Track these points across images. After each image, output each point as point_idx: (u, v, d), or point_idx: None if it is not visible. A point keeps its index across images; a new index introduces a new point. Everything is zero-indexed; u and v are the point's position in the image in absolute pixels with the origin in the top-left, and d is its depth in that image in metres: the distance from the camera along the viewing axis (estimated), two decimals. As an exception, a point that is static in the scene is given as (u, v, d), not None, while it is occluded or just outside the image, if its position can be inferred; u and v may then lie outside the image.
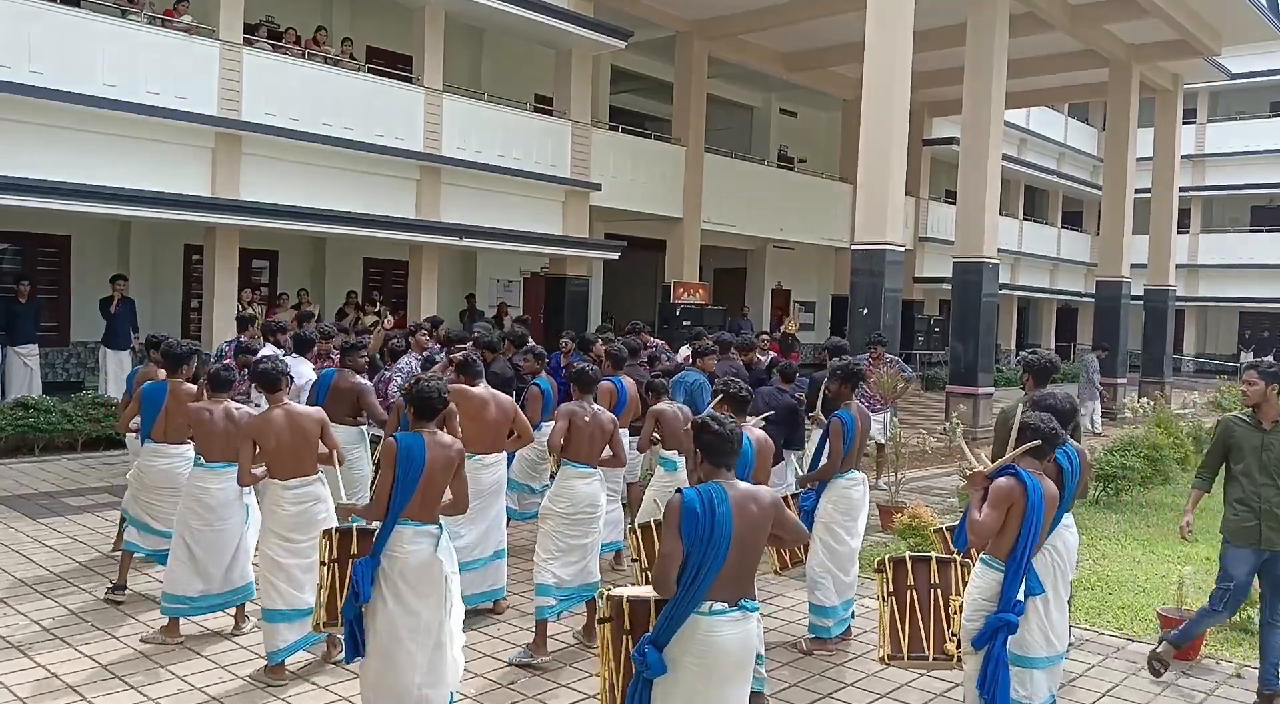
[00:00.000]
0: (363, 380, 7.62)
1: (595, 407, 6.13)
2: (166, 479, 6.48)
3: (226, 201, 13.10)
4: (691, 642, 3.46)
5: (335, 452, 5.53)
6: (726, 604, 3.47)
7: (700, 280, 20.93)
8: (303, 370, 8.62)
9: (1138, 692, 5.76)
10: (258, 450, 5.42)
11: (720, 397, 5.54)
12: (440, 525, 4.48)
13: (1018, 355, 31.04)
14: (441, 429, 4.70)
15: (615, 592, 3.77)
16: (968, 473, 4.33)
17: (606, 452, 6.12)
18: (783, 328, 16.79)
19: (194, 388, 6.54)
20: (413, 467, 4.38)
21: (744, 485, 3.58)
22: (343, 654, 5.01)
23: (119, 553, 7.27)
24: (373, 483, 4.89)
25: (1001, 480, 4.25)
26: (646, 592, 3.71)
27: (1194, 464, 12.94)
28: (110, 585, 6.66)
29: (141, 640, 5.85)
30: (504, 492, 6.47)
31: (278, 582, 5.38)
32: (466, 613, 6.04)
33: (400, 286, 17.88)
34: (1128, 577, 8.03)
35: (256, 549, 5.78)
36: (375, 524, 4.59)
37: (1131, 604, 7.31)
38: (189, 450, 6.33)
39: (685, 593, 3.41)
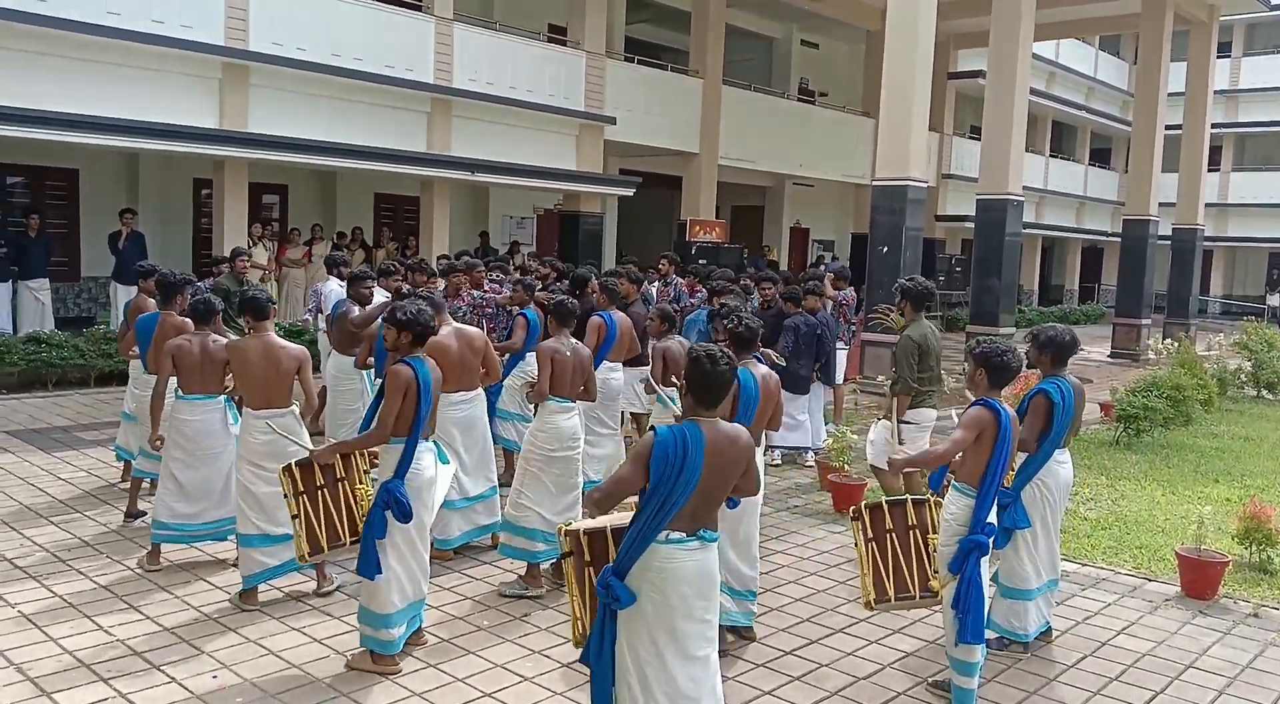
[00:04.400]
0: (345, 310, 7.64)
1: (573, 342, 6.13)
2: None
3: (235, 134, 13.07)
4: (648, 570, 3.53)
5: (305, 399, 5.58)
6: (684, 533, 3.54)
7: (717, 218, 20.83)
8: (332, 287, 9.24)
9: (1154, 630, 5.80)
10: (229, 376, 5.66)
11: (723, 331, 5.47)
12: (435, 443, 4.87)
13: (1044, 298, 30.35)
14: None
15: (571, 526, 3.82)
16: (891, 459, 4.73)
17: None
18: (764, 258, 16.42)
19: (183, 321, 6.56)
20: (427, 388, 4.68)
21: (724, 426, 3.61)
22: (333, 584, 5.62)
23: (128, 484, 7.38)
24: (370, 415, 4.97)
25: (974, 409, 4.53)
26: (602, 521, 3.78)
27: (1218, 406, 12.93)
28: (125, 514, 6.80)
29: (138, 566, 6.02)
30: (485, 427, 6.43)
31: (249, 508, 5.50)
32: (462, 548, 6.40)
33: (412, 223, 17.90)
34: (1146, 517, 8.04)
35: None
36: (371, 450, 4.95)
37: (1149, 544, 7.33)
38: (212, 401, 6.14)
39: (647, 523, 3.50)
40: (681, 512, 3.50)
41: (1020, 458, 5.29)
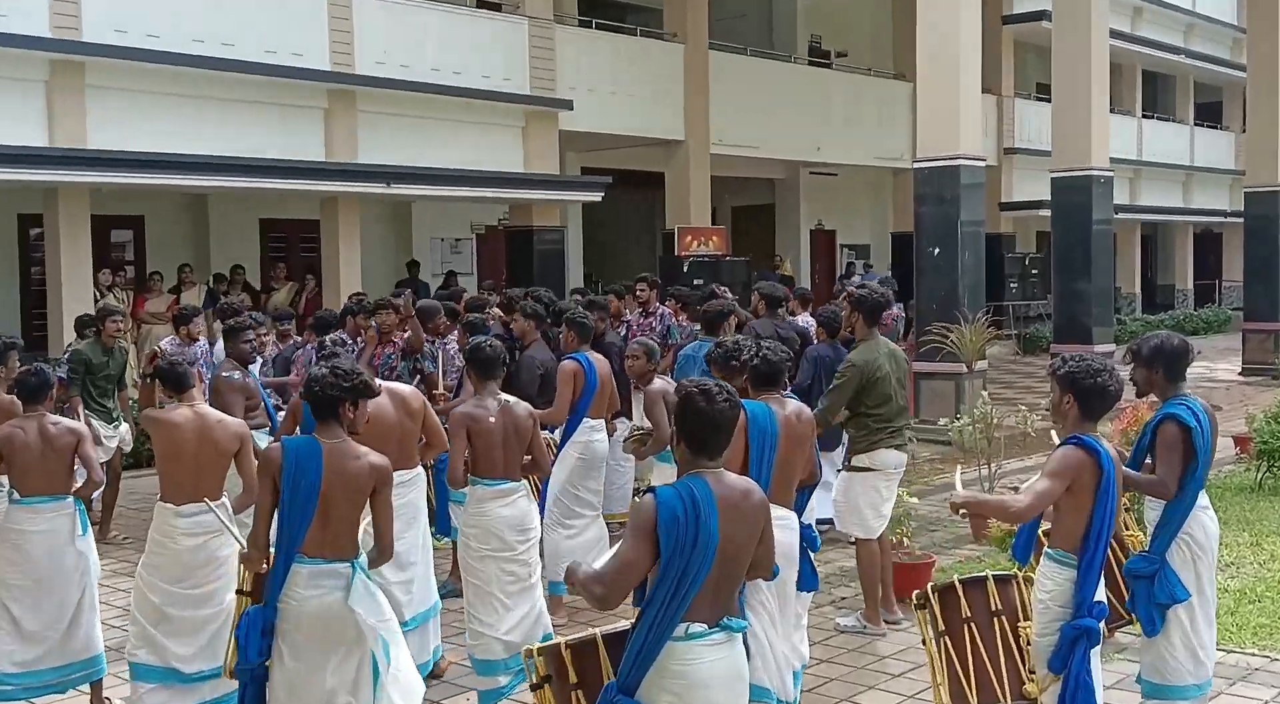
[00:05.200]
0: (237, 378, 7.78)
1: (503, 398, 6.11)
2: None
3: (70, 152, 13.02)
4: (665, 677, 3.59)
5: (245, 487, 5.60)
6: (706, 625, 3.63)
7: (714, 224, 21.01)
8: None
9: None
10: (79, 467, 5.71)
11: (726, 362, 5.63)
12: (353, 562, 4.63)
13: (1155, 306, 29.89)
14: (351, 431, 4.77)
15: (545, 643, 3.93)
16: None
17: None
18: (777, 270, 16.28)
19: (10, 400, 6.59)
20: (304, 482, 4.54)
21: (732, 479, 3.78)
22: None
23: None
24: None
25: (1062, 449, 4.51)
26: (587, 631, 3.89)
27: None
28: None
29: None
30: (422, 520, 6.46)
31: (156, 634, 5.52)
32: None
33: (312, 254, 17.82)
34: (1306, 583, 8.02)
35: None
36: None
37: (1313, 619, 7.30)
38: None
39: (660, 614, 3.58)
40: (700, 595, 3.59)
41: (1152, 507, 5.27)
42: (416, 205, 19.54)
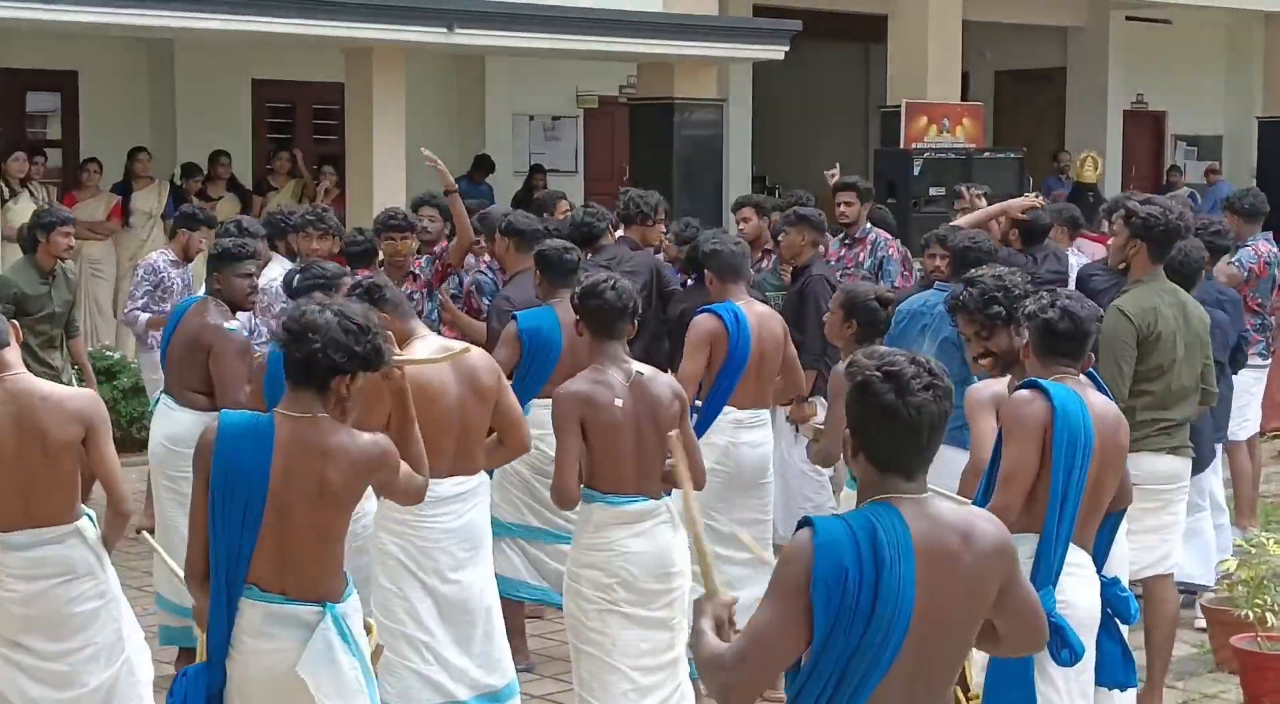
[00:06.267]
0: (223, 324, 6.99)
1: (634, 369, 5.64)
2: None
3: None
4: None
5: (109, 500, 5.19)
6: None
7: (965, 99, 17.92)
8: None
9: None
10: None
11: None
12: (326, 606, 4.15)
13: None
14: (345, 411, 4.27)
15: None
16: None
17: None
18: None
19: None
20: (235, 482, 4.14)
21: (945, 509, 3.22)
22: None
23: None
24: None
25: (1020, 394, 4.62)
26: None
27: None
28: None
29: None
30: (486, 552, 5.88)
31: None
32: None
33: (330, 137, 16.17)
34: None
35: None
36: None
37: None
38: None
39: None
40: (884, 689, 3.02)
41: None
42: (492, 63, 16.99)
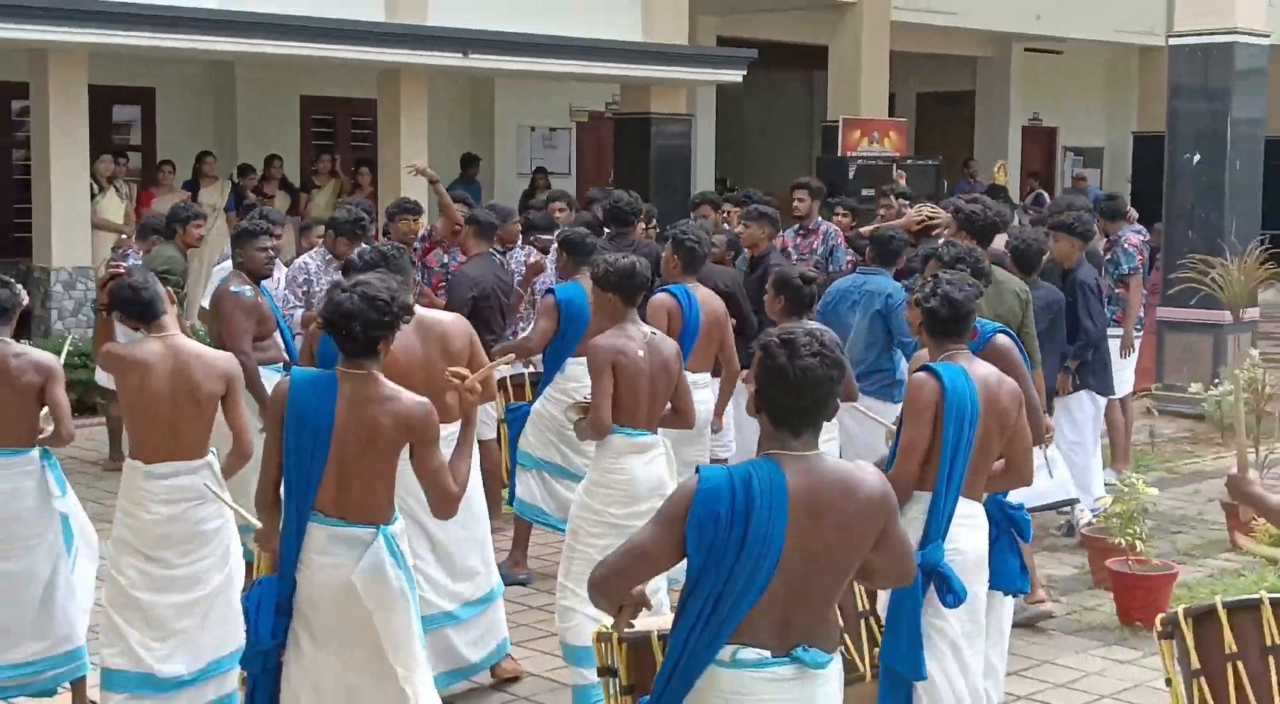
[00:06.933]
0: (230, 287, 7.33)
1: (647, 329, 6.11)
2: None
3: (64, 5, 11.80)
4: None
5: (235, 442, 5.37)
6: (767, 652, 3.38)
7: (893, 116, 19.15)
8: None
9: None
10: (45, 411, 5.52)
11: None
12: (380, 528, 4.46)
13: None
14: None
15: (607, 627, 3.92)
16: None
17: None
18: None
19: None
20: (308, 424, 4.41)
21: (829, 465, 3.45)
22: None
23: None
24: None
25: (915, 377, 4.84)
26: (652, 622, 3.92)
27: None
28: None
29: None
30: (478, 484, 6.25)
31: (126, 626, 5.26)
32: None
33: (366, 143, 17.15)
34: None
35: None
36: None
37: None
38: None
39: (695, 630, 3.38)
40: (757, 612, 3.31)
41: None
42: (500, 83, 18.31)
